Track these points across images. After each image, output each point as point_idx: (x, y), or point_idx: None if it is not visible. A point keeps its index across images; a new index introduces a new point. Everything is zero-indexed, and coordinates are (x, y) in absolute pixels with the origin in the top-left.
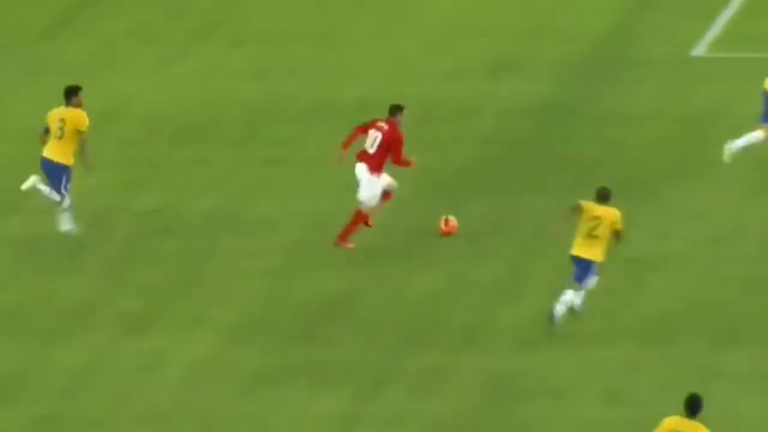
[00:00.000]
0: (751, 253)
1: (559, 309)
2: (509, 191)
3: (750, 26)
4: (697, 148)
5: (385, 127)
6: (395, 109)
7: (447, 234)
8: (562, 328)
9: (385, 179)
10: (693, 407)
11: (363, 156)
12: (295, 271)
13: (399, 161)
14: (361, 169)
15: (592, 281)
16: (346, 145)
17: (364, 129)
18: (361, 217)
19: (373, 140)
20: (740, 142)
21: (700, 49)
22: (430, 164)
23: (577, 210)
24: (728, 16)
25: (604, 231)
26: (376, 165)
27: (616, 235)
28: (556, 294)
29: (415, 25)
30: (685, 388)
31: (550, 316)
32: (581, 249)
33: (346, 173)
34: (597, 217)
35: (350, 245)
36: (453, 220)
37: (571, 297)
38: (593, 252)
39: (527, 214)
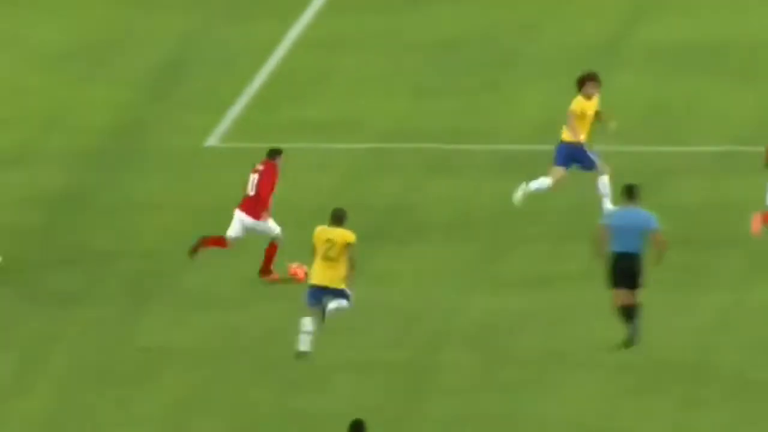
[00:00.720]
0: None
1: (303, 339)
2: None
3: (258, 118)
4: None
5: (262, 168)
6: (274, 153)
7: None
8: None
9: (272, 226)
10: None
11: (245, 199)
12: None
13: (263, 201)
14: (240, 215)
15: (343, 303)
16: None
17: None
18: (218, 242)
19: (252, 182)
20: (533, 185)
21: (213, 140)
22: None
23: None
24: (238, 110)
25: (336, 253)
26: (256, 207)
27: (350, 250)
28: None
29: None
30: None
31: (299, 354)
32: (318, 276)
33: None
34: (329, 240)
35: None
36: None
37: (309, 324)
38: (330, 278)
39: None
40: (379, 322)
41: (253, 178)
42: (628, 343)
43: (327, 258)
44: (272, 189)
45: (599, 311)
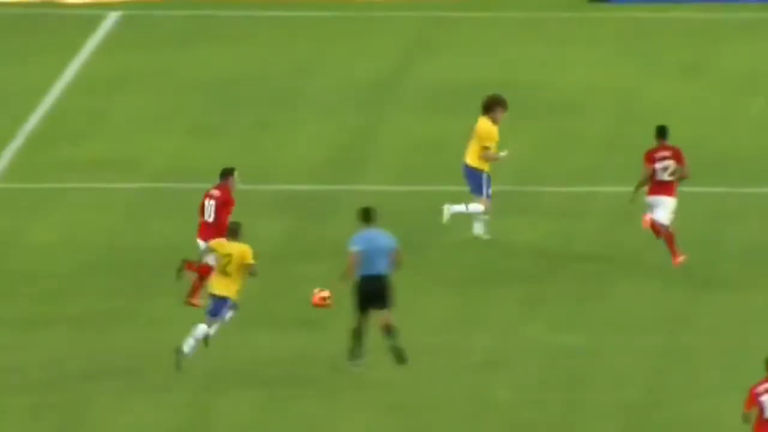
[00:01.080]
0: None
1: (191, 343)
2: None
3: (34, 158)
4: None
5: (217, 193)
6: (227, 173)
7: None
8: None
9: None
10: None
11: (204, 225)
12: None
13: (221, 224)
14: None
15: (227, 314)
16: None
17: (203, 201)
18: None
19: (209, 209)
20: (458, 208)
21: None
22: None
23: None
24: (13, 150)
25: (234, 268)
26: (216, 233)
27: (249, 268)
28: None
29: None
30: None
31: (180, 353)
32: (217, 286)
33: None
34: (228, 255)
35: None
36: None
37: (204, 330)
38: (228, 288)
39: None
40: (157, 363)
41: (209, 204)
42: (400, 359)
43: (225, 273)
44: (229, 212)
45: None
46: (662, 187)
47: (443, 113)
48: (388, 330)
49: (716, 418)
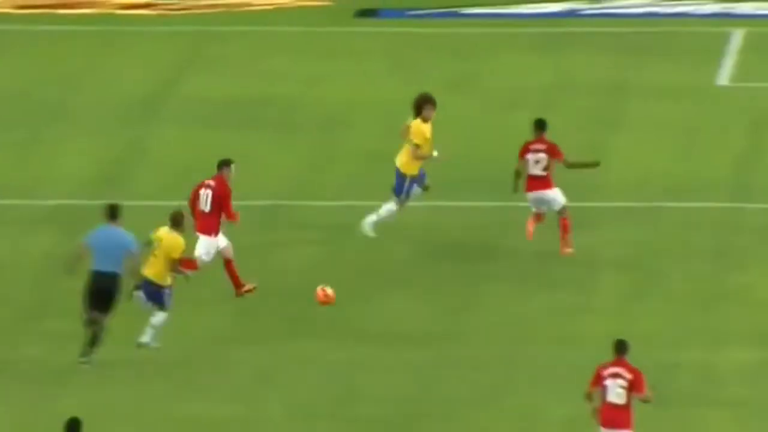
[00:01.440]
0: None
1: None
2: None
3: None
4: None
5: (213, 183)
6: (222, 164)
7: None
8: None
9: (222, 240)
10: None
11: (200, 215)
12: None
13: (229, 215)
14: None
15: (168, 302)
16: (193, 212)
17: (196, 191)
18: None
19: (205, 198)
20: (371, 219)
21: None
22: None
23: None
24: None
25: (161, 252)
26: (212, 223)
27: (171, 263)
28: None
29: None
30: None
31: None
32: (150, 270)
33: None
34: (159, 239)
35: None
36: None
37: (157, 319)
38: (162, 276)
39: None
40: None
41: (205, 193)
42: (90, 345)
43: (154, 255)
44: (228, 200)
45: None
46: (538, 182)
47: (211, 127)
48: (98, 327)
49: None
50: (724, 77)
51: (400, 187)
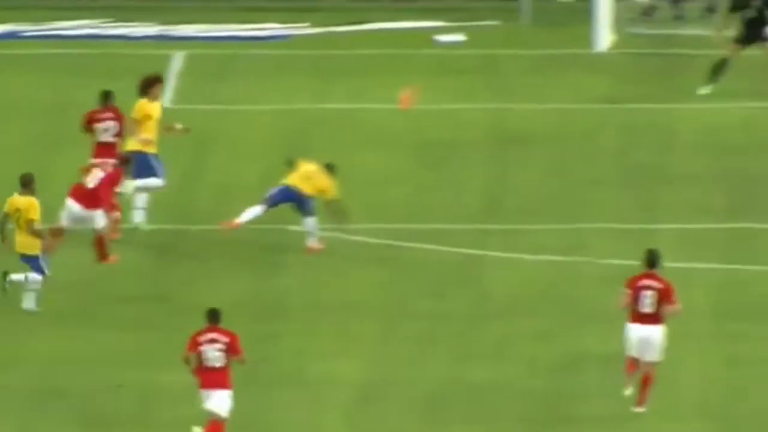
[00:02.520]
0: None
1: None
2: None
3: None
4: None
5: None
6: (123, 160)
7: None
8: None
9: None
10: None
11: (76, 187)
12: None
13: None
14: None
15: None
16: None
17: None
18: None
19: (94, 177)
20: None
21: None
22: None
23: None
24: None
25: (25, 222)
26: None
27: (29, 224)
28: None
29: None
30: None
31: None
32: (20, 245)
33: None
34: (17, 210)
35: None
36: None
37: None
38: (32, 246)
39: None
40: None
41: (97, 173)
42: None
43: (19, 227)
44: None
45: None
46: (105, 150)
47: None
48: None
49: None
50: (166, 99)
51: (148, 168)
